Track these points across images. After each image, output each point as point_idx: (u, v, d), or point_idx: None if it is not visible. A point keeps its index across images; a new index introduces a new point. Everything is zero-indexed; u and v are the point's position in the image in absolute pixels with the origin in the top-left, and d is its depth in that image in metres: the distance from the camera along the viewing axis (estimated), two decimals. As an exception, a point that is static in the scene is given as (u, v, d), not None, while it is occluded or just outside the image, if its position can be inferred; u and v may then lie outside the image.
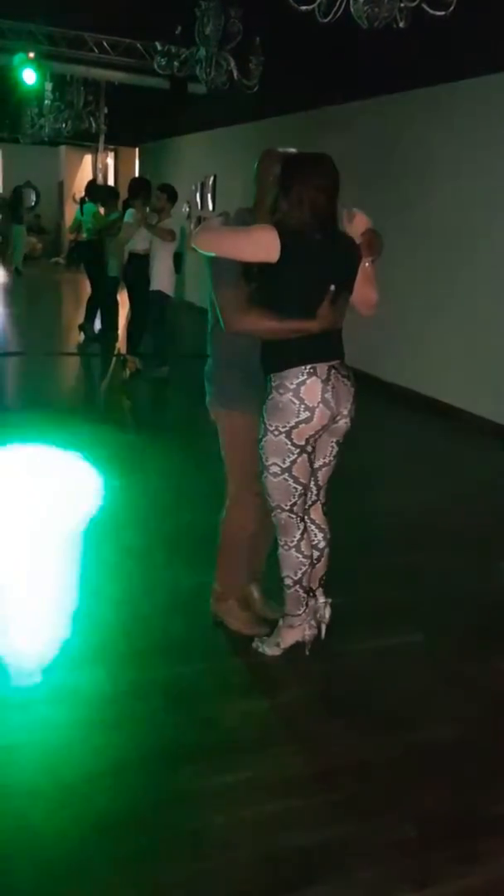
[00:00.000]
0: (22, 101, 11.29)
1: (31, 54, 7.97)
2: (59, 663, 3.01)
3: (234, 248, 2.71)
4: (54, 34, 7.97)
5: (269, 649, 3.03)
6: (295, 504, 2.87)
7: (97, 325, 9.72)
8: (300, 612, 2.97)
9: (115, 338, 9.43)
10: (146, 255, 7.70)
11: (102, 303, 9.54)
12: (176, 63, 6.54)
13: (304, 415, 2.73)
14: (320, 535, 3.06)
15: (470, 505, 4.98)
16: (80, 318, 9.85)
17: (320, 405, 2.74)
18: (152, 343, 7.83)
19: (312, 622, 3.01)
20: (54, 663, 3.01)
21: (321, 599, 3.07)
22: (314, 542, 3.03)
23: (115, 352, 8.88)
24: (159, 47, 6.63)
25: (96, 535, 4.20)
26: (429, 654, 3.23)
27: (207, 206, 12.76)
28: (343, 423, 2.89)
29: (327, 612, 3.07)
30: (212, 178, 12.65)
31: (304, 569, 2.92)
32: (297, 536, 2.90)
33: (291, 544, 2.91)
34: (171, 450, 5.91)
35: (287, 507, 2.87)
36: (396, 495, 4.96)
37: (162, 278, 7.43)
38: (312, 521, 3.04)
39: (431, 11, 4.00)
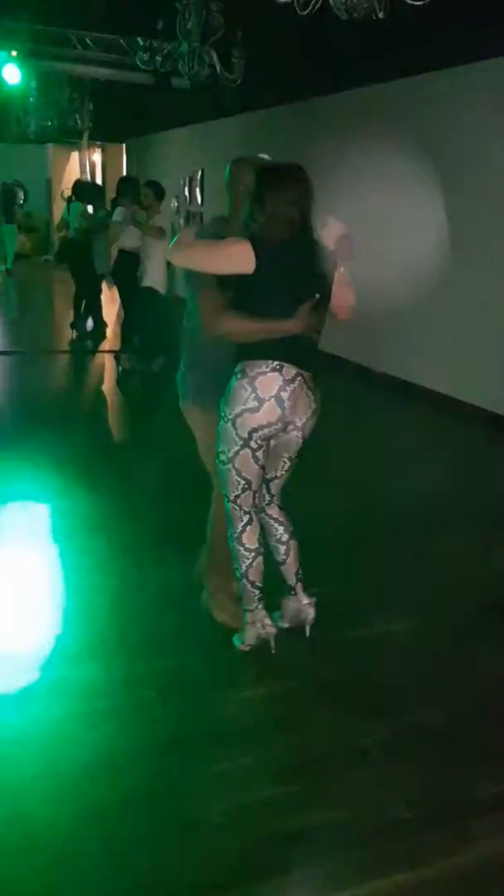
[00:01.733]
0: (6, 100, 11.26)
1: (14, 53, 7.96)
2: (52, 657, 3.03)
3: (209, 262, 2.75)
4: (37, 32, 7.95)
5: (238, 643, 3.05)
6: (238, 496, 2.87)
7: (88, 322, 9.73)
8: (252, 608, 2.96)
9: (104, 334, 9.45)
10: (136, 252, 7.71)
11: (90, 300, 9.54)
12: (158, 58, 6.54)
13: (251, 404, 2.74)
14: (280, 529, 3.07)
15: (464, 493, 5.00)
16: (72, 317, 9.86)
17: (271, 399, 2.74)
18: (140, 339, 7.84)
19: (268, 621, 2.98)
20: (48, 657, 3.03)
21: (304, 600, 3.08)
22: (276, 537, 3.05)
23: (105, 348, 8.91)
24: (141, 43, 6.63)
25: (88, 530, 4.22)
26: (422, 641, 3.26)
27: (196, 200, 12.75)
28: (294, 434, 2.87)
29: (311, 613, 3.08)
30: (199, 173, 12.64)
31: (248, 562, 2.92)
32: (240, 528, 2.91)
33: (235, 536, 2.93)
34: (162, 444, 5.93)
35: (231, 498, 2.89)
36: (390, 484, 4.98)
37: (153, 275, 7.43)
38: (270, 517, 3.06)
39: (410, 1, 4.01)
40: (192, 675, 2.92)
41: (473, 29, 5.36)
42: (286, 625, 3.11)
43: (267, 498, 3.07)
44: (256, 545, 2.94)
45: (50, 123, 11.17)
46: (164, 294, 7.53)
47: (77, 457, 5.47)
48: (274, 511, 3.09)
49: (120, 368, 7.99)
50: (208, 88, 6.84)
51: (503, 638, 3.31)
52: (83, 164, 14.33)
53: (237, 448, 2.80)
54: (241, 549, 2.93)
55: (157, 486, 5.09)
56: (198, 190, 12.78)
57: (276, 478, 3.03)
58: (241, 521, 2.91)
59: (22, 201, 17.77)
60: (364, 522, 4.36)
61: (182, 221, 13.03)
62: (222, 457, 2.86)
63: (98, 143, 16.71)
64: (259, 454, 2.84)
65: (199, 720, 2.68)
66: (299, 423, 2.85)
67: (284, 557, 3.08)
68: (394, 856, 2.16)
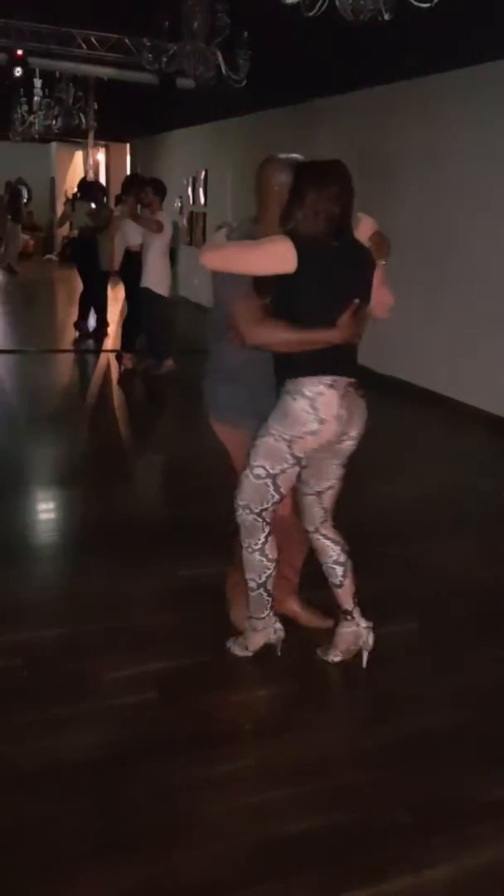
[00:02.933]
0: (11, 99, 11.25)
1: (20, 52, 7.94)
2: (53, 657, 3.03)
3: (246, 262, 2.62)
4: (42, 31, 7.94)
5: (238, 650, 2.99)
6: (265, 510, 2.77)
7: (91, 321, 9.73)
8: (263, 616, 2.90)
9: (106, 333, 9.45)
10: (140, 252, 7.71)
11: (95, 299, 9.54)
12: (163, 58, 6.53)
13: (313, 426, 2.63)
14: (337, 549, 2.95)
15: (465, 494, 5.00)
16: (75, 316, 9.86)
17: (333, 419, 2.64)
18: (147, 341, 7.85)
19: (279, 625, 2.93)
20: (49, 656, 3.03)
21: (363, 624, 2.95)
22: (333, 558, 2.94)
23: (107, 347, 8.91)
24: (147, 43, 6.63)
25: (89, 528, 4.22)
26: (424, 643, 3.26)
27: (199, 200, 12.75)
28: (348, 444, 2.78)
29: (371, 639, 2.94)
30: (203, 173, 12.64)
31: (268, 572, 2.83)
32: (262, 539, 2.80)
33: (256, 547, 2.80)
34: (164, 443, 5.93)
35: (256, 511, 2.77)
36: (391, 485, 4.98)
37: (151, 275, 7.41)
38: (326, 537, 2.95)
39: (416, 3, 4.00)
40: (193, 677, 2.91)
41: (480, 31, 5.36)
42: (338, 658, 2.98)
43: (321, 515, 2.94)
44: (276, 555, 2.84)
45: (54, 122, 11.16)
46: (163, 294, 7.51)
47: (78, 456, 5.48)
48: (329, 530, 2.96)
49: (122, 368, 7.99)
50: (213, 89, 6.83)
51: (502, 641, 3.31)
52: (87, 163, 14.34)
53: (286, 466, 2.70)
54: (264, 560, 2.81)
55: (159, 485, 5.09)
56: (201, 190, 12.78)
57: (330, 487, 2.90)
58: (264, 531, 2.79)
59: (25, 200, 17.81)
60: (363, 523, 4.34)
61: (185, 222, 13.06)
62: (259, 471, 2.72)
63: (102, 142, 16.71)
64: (303, 471, 2.78)
65: (202, 721, 2.68)
66: (354, 434, 2.77)
67: (342, 579, 2.94)
68: (394, 860, 2.16)
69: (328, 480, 2.88)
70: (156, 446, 6.02)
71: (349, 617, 2.96)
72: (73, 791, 2.36)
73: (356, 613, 2.95)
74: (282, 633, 2.94)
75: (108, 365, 8.48)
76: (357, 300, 2.60)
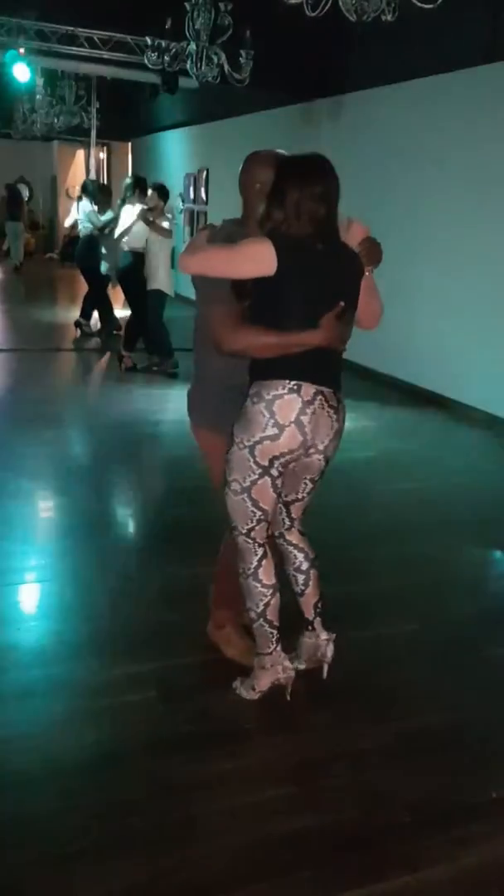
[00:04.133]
0: (13, 97, 11.27)
1: (22, 50, 7.96)
2: (53, 656, 3.04)
3: (225, 266, 2.46)
4: (45, 29, 7.96)
5: (246, 692, 2.77)
6: (253, 529, 2.59)
7: (93, 321, 9.74)
8: (269, 651, 2.69)
9: (111, 333, 9.45)
10: (141, 253, 7.74)
11: (99, 300, 9.55)
12: (166, 58, 6.54)
13: (270, 431, 2.46)
14: (300, 557, 2.81)
15: (463, 494, 5.01)
16: (77, 315, 9.87)
17: (291, 425, 2.46)
18: (153, 340, 7.89)
19: (288, 664, 2.73)
20: (48, 656, 3.03)
21: (322, 636, 2.83)
22: (295, 565, 2.81)
23: (109, 347, 8.91)
24: (149, 42, 6.64)
25: (89, 529, 4.23)
26: (423, 643, 3.26)
27: (201, 199, 12.75)
28: (316, 458, 2.60)
29: (329, 651, 2.83)
30: (204, 172, 12.65)
31: (266, 600, 2.63)
32: (254, 563, 2.62)
33: (248, 572, 2.64)
34: (165, 443, 5.93)
35: (244, 531, 2.60)
36: (390, 485, 4.99)
37: (158, 277, 7.46)
38: (289, 543, 2.81)
39: (419, 4, 4.00)
40: (192, 676, 2.92)
41: (485, 31, 5.36)
42: (303, 666, 2.87)
43: (286, 522, 2.80)
44: (274, 581, 2.65)
45: (56, 121, 11.17)
46: (170, 295, 7.58)
47: (78, 455, 5.48)
48: (294, 536, 2.83)
49: (123, 367, 8.01)
50: (215, 88, 6.84)
51: (503, 641, 3.32)
52: (89, 162, 14.35)
53: (255, 477, 2.53)
54: (258, 586, 2.63)
55: (159, 485, 5.10)
56: (203, 189, 12.79)
57: (297, 500, 2.76)
58: (256, 554, 2.62)
59: (26, 198, 17.81)
60: (364, 523, 4.36)
61: (185, 221, 13.06)
62: (234, 486, 2.56)
63: (104, 141, 16.72)
64: (278, 481, 2.58)
65: (200, 720, 2.68)
66: (321, 447, 2.57)
67: (303, 588, 2.81)
68: (393, 859, 2.16)
69: (295, 493, 2.73)
70: (155, 444, 6.02)
71: (310, 627, 2.84)
72: (73, 790, 2.36)
73: (317, 624, 2.84)
74: (292, 673, 2.72)
75: (110, 364, 8.49)
76: (343, 303, 2.45)
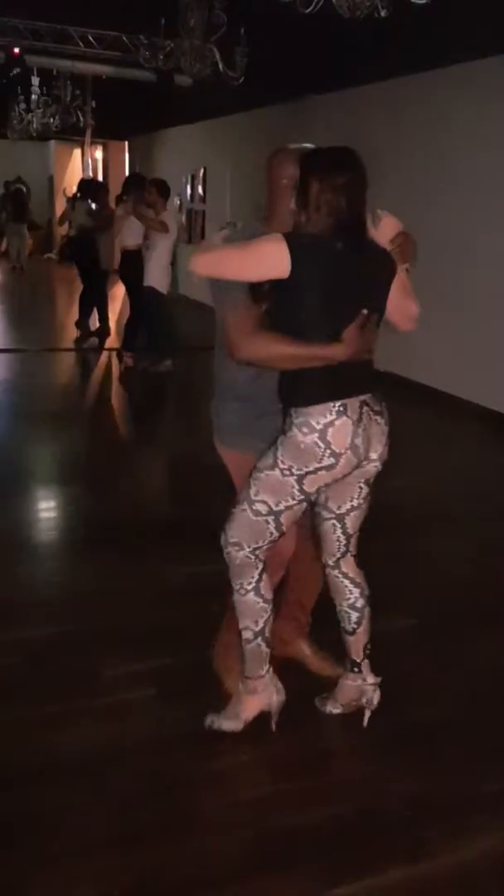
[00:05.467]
0: (8, 97, 11.25)
1: (17, 50, 7.95)
2: (53, 654, 3.04)
3: (235, 267, 2.27)
4: (39, 29, 7.94)
5: (228, 722, 2.54)
6: (260, 548, 2.42)
7: (93, 320, 9.73)
8: (262, 674, 2.49)
9: (108, 331, 9.46)
10: (138, 251, 7.73)
11: (98, 298, 9.54)
12: (160, 56, 6.53)
13: (327, 461, 2.28)
14: (356, 592, 2.59)
15: (460, 489, 5.02)
16: (76, 315, 9.86)
17: (348, 451, 2.29)
18: (148, 339, 7.87)
19: (280, 686, 2.53)
20: (49, 654, 3.04)
21: (370, 680, 2.62)
22: (350, 601, 2.59)
23: (109, 346, 8.91)
24: (144, 40, 6.63)
25: (90, 527, 4.24)
26: (421, 638, 3.27)
27: (198, 198, 12.75)
28: (371, 467, 2.45)
29: (376, 697, 2.62)
30: (202, 171, 12.64)
31: (266, 616, 2.44)
32: (256, 577, 2.43)
33: (249, 587, 2.42)
34: (165, 442, 5.94)
35: (250, 549, 2.41)
36: (387, 481, 4.98)
37: (154, 274, 7.43)
38: (345, 576, 2.59)
39: (413, 0, 4.00)
40: (191, 674, 2.92)
41: (476, 26, 5.36)
42: (338, 710, 2.68)
43: (343, 543, 2.56)
44: (272, 595, 2.49)
45: (52, 120, 11.16)
46: (165, 293, 7.53)
47: (80, 454, 5.49)
48: (350, 567, 2.59)
49: (122, 366, 8.01)
50: (211, 86, 6.84)
51: (501, 636, 3.32)
52: (85, 161, 14.35)
53: (293, 503, 2.35)
54: (260, 601, 2.43)
55: (160, 484, 5.10)
56: (200, 187, 12.79)
57: (353, 508, 2.52)
58: (257, 568, 2.43)
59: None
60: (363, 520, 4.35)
61: (184, 220, 13.06)
62: (260, 507, 2.36)
63: (100, 140, 16.71)
64: (321, 493, 2.46)
65: (198, 718, 2.68)
66: (375, 456, 2.43)
67: (355, 626, 2.59)
68: (392, 852, 2.17)
69: (351, 500, 2.51)
70: (156, 444, 6.03)
71: (356, 669, 2.64)
72: (74, 787, 2.37)
73: (364, 667, 2.63)
74: (283, 697, 2.54)
75: (109, 363, 8.49)
76: (365, 311, 2.25)
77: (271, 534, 2.41)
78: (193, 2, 5.80)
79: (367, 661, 2.64)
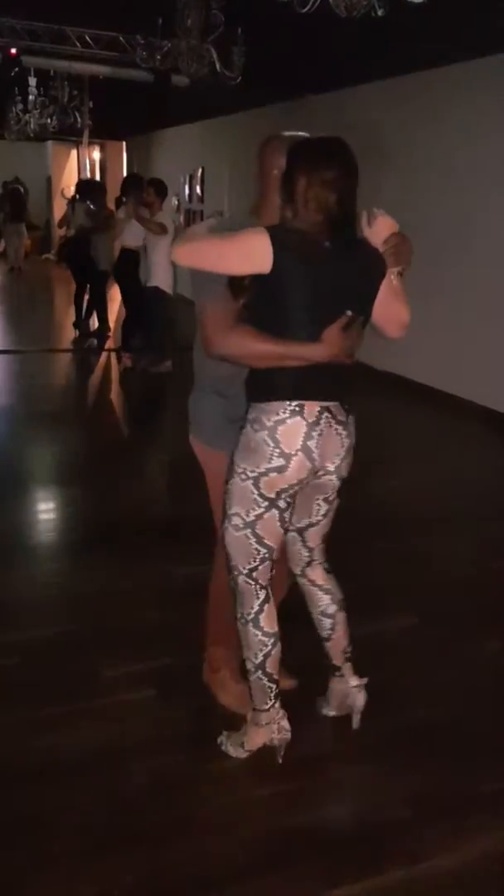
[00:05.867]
0: (6, 98, 11.25)
1: (13, 50, 7.95)
2: (52, 654, 3.04)
3: (215, 258, 2.14)
4: (36, 29, 7.94)
5: (234, 750, 2.49)
6: (255, 569, 2.32)
7: (91, 321, 9.73)
8: (266, 708, 2.40)
9: (107, 331, 9.45)
10: (136, 251, 7.72)
11: (97, 299, 9.54)
12: (157, 56, 6.52)
13: (276, 462, 2.19)
14: (327, 599, 2.55)
15: (462, 488, 5.02)
16: (74, 316, 9.86)
17: (299, 453, 2.19)
18: (150, 338, 7.87)
19: (285, 724, 2.44)
20: (48, 655, 3.04)
21: (353, 682, 2.59)
22: (321, 608, 2.55)
23: (107, 346, 8.91)
24: (141, 40, 6.62)
25: (89, 527, 4.23)
26: (424, 637, 3.27)
27: (196, 198, 12.74)
28: (327, 479, 2.33)
29: (360, 699, 2.58)
30: (200, 170, 12.64)
31: (266, 650, 2.34)
32: (256, 608, 2.34)
33: (249, 618, 2.34)
34: (164, 442, 5.93)
35: (245, 571, 2.32)
36: (390, 481, 4.99)
37: (158, 274, 7.43)
38: (313, 583, 2.55)
39: (410, -1, 4.00)
40: (191, 674, 2.92)
41: (472, 26, 5.36)
42: (333, 713, 2.67)
43: (305, 556, 2.52)
44: (276, 629, 2.37)
45: (50, 121, 11.15)
46: (170, 293, 7.54)
47: (78, 455, 5.48)
48: (318, 575, 2.55)
49: (122, 367, 8.01)
50: (208, 86, 6.83)
51: (501, 635, 3.32)
52: (83, 161, 14.35)
53: (260, 510, 2.26)
54: (259, 634, 2.34)
55: (159, 484, 5.10)
56: (198, 187, 12.78)
57: (311, 525, 2.46)
58: (258, 598, 2.33)
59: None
60: (362, 520, 4.35)
61: (181, 220, 13.06)
62: (236, 520, 2.28)
63: (98, 140, 16.70)
64: (286, 514, 2.32)
65: (201, 718, 2.69)
66: (332, 468, 2.30)
67: (330, 632, 2.56)
68: (392, 852, 2.17)
69: (309, 517, 2.45)
70: (155, 445, 6.03)
71: (338, 674, 2.61)
72: (74, 787, 2.37)
73: (347, 670, 2.60)
74: (287, 735, 2.44)
75: (108, 364, 8.49)
76: (350, 312, 2.15)
77: (257, 550, 2.31)
78: (190, 2, 5.80)
79: (349, 664, 2.60)
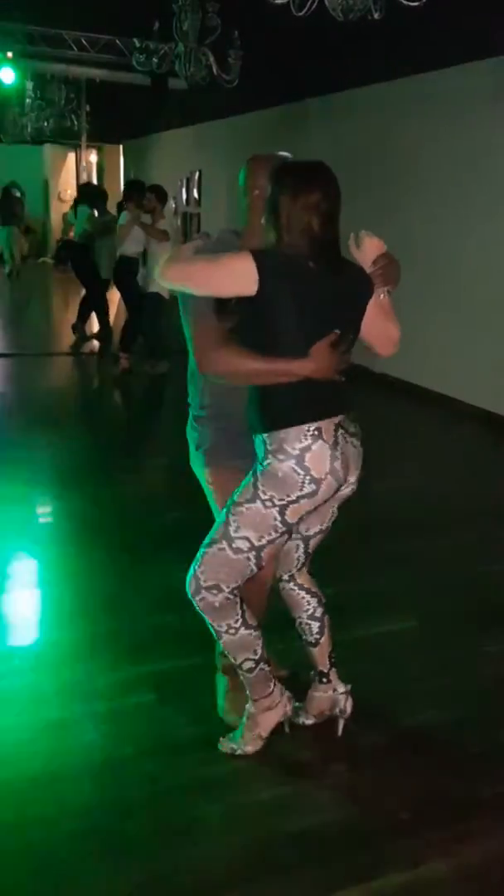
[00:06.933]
0: (3, 101, 11.28)
1: (10, 54, 7.97)
2: (52, 658, 3.04)
3: (204, 281, 2.18)
4: (33, 32, 7.95)
5: (250, 746, 2.51)
6: (238, 587, 2.33)
7: (90, 325, 9.73)
8: (268, 692, 2.47)
9: (108, 337, 9.46)
10: (136, 258, 7.75)
11: (97, 305, 9.54)
12: (154, 59, 6.54)
13: (308, 488, 2.20)
14: (314, 602, 2.57)
15: (461, 491, 5.02)
16: (73, 319, 9.86)
17: (328, 476, 2.21)
18: (147, 342, 7.90)
19: (289, 693, 2.53)
20: (48, 658, 3.04)
21: (340, 689, 2.60)
22: (308, 611, 2.57)
23: (105, 350, 8.91)
24: (138, 44, 6.64)
25: (88, 531, 4.23)
26: (422, 640, 3.27)
27: (193, 201, 12.75)
28: (348, 490, 2.38)
29: (349, 705, 2.60)
30: (197, 174, 12.65)
31: (260, 642, 2.39)
32: (239, 614, 2.34)
33: (236, 625, 2.34)
34: (162, 445, 5.93)
35: (228, 589, 2.30)
36: (388, 484, 4.99)
37: (157, 281, 7.40)
38: (301, 587, 2.57)
39: (406, 2, 4.01)
40: (193, 677, 2.92)
41: (469, 29, 5.38)
42: (311, 721, 2.64)
43: (300, 561, 2.54)
44: (256, 620, 2.41)
45: (46, 124, 11.17)
46: (167, 299, 7.56)
47: (77, 458, 5.48)
48: (305, 579, 2.57)
49: (119, 369, 8.01)
50: (205, 89, 6.85)
51: (500, 637, 3.32)
52: (80, 165, 14.35)
53: (275, 536, 2.27)
54: (251, 633, 2.36)
55: (158, 487, 5.09)
56: (195, 191, 12.80)
57: (320, 531, 2.51)
58: (237, 604, 2.34)
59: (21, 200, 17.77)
60: (361, 522, 4.35)
61: (178, 223, 13.07)
62: (242, 544, 2.26)
63: (95, 143, 16.72)
64: (291, 534, 2.39)
65: (200, 722, 2.68)
66: (353, 479, 2.35)
67: (318, 637, 2.58)
68: (393, 856, 2.17)
69: (321, 524, 2.49)
70: (153, 447, 6.03)
71: (325, 680, 2.61)
72: (74, 792, 2.36)
73: (333, 676, 2.61)
74: (294, 705, 2.56)
75: (106, 367, 8.49)
76: (338, 331, 2.18)
77: (252, 570, 2.31)
78: (187, 5, 5.81)
79: (334, 669, 2.62)
